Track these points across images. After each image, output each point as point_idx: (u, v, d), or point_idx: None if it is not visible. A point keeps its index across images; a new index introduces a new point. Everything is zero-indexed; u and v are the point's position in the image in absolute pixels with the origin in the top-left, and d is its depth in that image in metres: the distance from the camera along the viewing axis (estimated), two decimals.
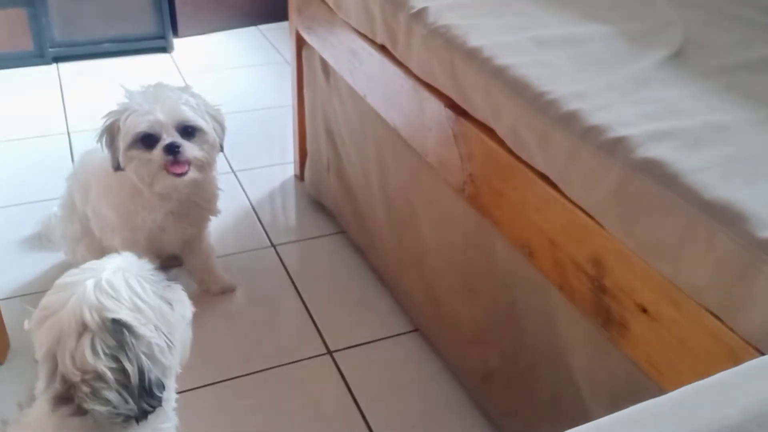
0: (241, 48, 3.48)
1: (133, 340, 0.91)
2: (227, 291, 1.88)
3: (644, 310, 0.93)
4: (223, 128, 1.64)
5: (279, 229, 2.14)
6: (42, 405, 0.93)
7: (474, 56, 1.21)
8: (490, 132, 1.20)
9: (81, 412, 0.90)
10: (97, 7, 3.19)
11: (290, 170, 2.43)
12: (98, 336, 0.89)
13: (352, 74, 1.71)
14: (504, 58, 1.18)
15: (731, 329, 0.82)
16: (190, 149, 1.53)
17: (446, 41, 1.28)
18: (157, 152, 1.50)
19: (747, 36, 1.25)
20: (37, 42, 3.13)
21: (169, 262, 1.91)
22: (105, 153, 1.56)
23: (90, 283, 0.93)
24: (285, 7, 2.17)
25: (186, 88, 1.60)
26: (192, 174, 1.55)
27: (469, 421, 1.52)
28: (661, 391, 0.62)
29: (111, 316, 0.91)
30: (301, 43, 2.10)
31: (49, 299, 0.95)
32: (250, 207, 2.24)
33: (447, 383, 1.61)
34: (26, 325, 0.96)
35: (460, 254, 1.45)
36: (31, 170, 2.40)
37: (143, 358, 0.92)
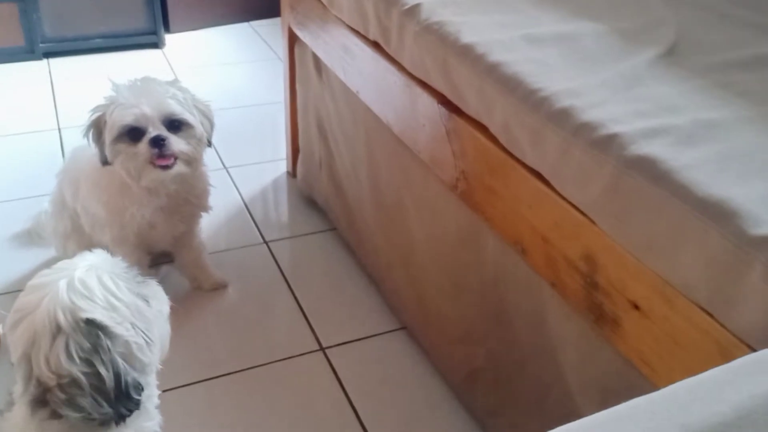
0: (233, 44, 3.47)
1: (109, 342, 0.90)
2: (219, 287, 1.88)
3: (636, 307, 0.93)
4: (211, 123, 1.63)
5: (271, 225, 2.14)
6: (22, 408, 0.92)
7: (467, 53, 1.21)
8: (482, 129, 1.20)
9: (58, 415, 0.89)
10: (88, 2, 3.18)
11: (282, 167, 2.42)
12: (72, 338, 0.87)
13: (344, 71, 1.71)
14: (496, 55, 1.18)
15: (723, 326, 0.82)
16: (176, 143, 1.53)
17: (439, 38, 1.28)
18: (143, 145, 1.50)
19: (739, 34, 1.25)
20: (27, 37, 3.11)
21: (160, 259, 1.90)
22: (92, 148, 1.55)
23: (63, 284, 0.90)
24: (277, 3, 2.17)
25: (173, 82, 1.59)
26: (178, 168, 1.55)
27: (456, 419, 1.52)
28: (652, 388, 0.62)
29: (85, 316, 0.89)
30: (293, 40, 2.09)
31: (22, 301, 0.92)
32: (242, 203, 2.23)
33: (434, 381, 1.61)
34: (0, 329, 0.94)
35: (448, 252, 1.45)
36: (21, 166, 2.38)
37: (119, 360, 0.90)
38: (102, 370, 0.88)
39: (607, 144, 0.96)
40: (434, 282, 1.53)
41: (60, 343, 0.87)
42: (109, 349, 0.89)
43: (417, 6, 1.36)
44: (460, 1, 1.39)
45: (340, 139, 1.90)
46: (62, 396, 0.87)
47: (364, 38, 1.57)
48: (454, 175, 1.30)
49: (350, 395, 1.57)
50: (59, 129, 2.62)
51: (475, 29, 1.26)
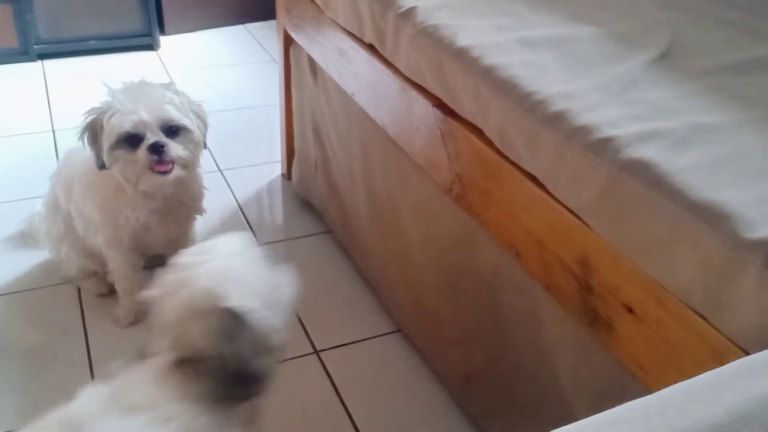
0: (229, 46, 3.47)
1: (242, 328, 0.97)
2: None
3: (630, 310, 0.93)
4: (205, 124, 1.63)
5: (266, 228, 2.13)
6: (160, 364, 0.99)
7: (462, 56, 1.21)
8: (478, 132, 1.20)
9: (193, 377, 0.97)
10: (82, 3, 3.17)
11: (277, 169, 2.42)
12: (210, 321, 0.96)
13: (339, 73, 1.71)
14: (492, 59, 1.18)
15: (717, 329, 0.82)
16: (175, 148, 1.52)
17: (434, 41, 1.28)
18: (142, 152, 1.50)
19: (733, 38, 1.25)
20: (22, 39, 3.11)
21: (154, 262, 1.90)
22: (87, 151, 1.55)
23: (206, 268, 0.99)
24: (273, 5, 2.17)
25: (169, 86, 1.59)
26: (176, 172, 1.54)
27: (452, 422, 1.52)
28: (646, 391, 0.62)
29: (223, 304, 0.96)
30: (288, 42, 2.09)
31: (169, 278, 1.02)
32: (237, 206, 2.23)
33: (430, 384, 1.61)
34: (148, 293, 1.04)
35: (444, 255, 1.45)
36: (15, 168, 2.38)
37: (249, 347, 0.97)
38: (231, 354, 0.96)
39: (602, 147, 0.96)
40: (430, 284, 1.53)
41: (200, 323, 0.96)
42: (241, 336, 0.96)
43: (412, 9, 1.36)
44: (456, 4, 1.39)
45: (335, 141, 1.90)
46: (198, 368, 0.96)
47: (360, 41, 1.57)
48: (449, 178, 1.31)
49: (344, 398, 1.56)
50: (53, 131, 2.61)
51: (471, 32, 1.27)
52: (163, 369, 1.00)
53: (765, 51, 1.20)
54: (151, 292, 1.03)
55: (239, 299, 0.98)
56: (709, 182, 0.86)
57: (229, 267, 1.00)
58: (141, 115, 1.49)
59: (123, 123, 1.48)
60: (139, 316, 1.77)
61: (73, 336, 1.72)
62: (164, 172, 1.53)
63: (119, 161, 1.51)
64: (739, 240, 0.79)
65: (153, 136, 1.50)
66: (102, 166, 1.53)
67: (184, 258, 1.04)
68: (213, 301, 0.97)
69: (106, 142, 1.50)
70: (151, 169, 1.52)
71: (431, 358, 1.63)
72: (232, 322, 0.96)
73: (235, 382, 0.97)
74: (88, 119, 1.53)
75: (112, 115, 1.49)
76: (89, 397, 1.00)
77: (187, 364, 0.98)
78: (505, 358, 1.32)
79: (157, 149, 1.50)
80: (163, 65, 3.20)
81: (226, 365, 0.96)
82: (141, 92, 1.53)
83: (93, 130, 1.53)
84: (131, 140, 1.50)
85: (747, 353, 0.78)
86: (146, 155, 1.50)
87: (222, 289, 0.98)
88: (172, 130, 1.53)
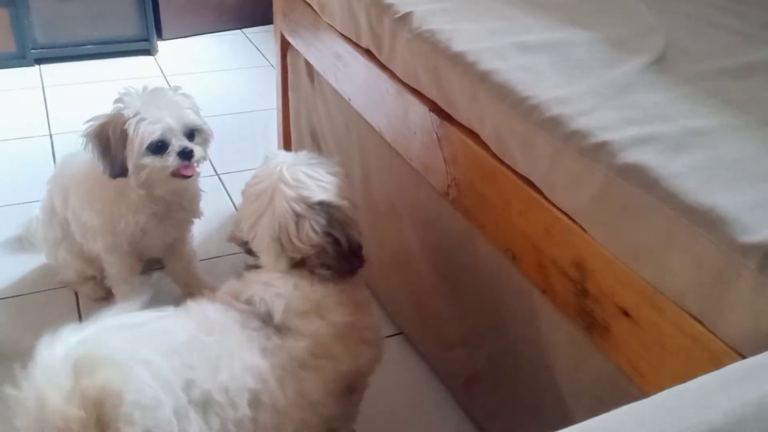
0: (226, 51, 3.47)
1: (336, 213, 1.16)
2: None
3: (626, 314, 0.93)
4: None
5: None
6: (276, 268, 1.18)
7: (458, 61, 1.22)
8: (474, 136, 1.21)
9: (310, 271, 1.16)
10: (80, 8, 3.17)
11: None
12: (311, 219, 1.14)
13: (336, 78, 1.71)
14: (488, 63, 1.18)
15: (712, 333, 0.82)
16: (198, 151, 1.56)
17: (431, 46, 1.28)
18: (173, 158, 1.52)
19: (728, 43, 1.26)
20: (19, 43, 3.10)
21: (151, 266, 1.90)
22: (96, 160, 1.53)
23: (282, 184, 1.16)
24: (270, 10, 2.17)
25: (177, 89, 1.60)
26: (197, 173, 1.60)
27: (454, 423, 1.52)
28: (642, 395, 0.62)
29: (314, 199, 1.15)
30: (285, 47, 2.10)
31: (250, 207, 1.20)
32: (235, 210, 2.23)
33: (431, 386, 1.61)
34: (228, 236, 1.28)
35: (443, 258, 1.46)
36: (12, 172, 2.37)
37: (347, 227, 1.17)
38: (340, 236, 1.15)
39: (597, 152, 0.96)
40: (429, 287, 1.53)
41: (305, 224, 1.14)
42: (339, 220, 1.16)
43: (409, 14, 1.37)
44: (452, 9, 1.40)
45: (332, 146, 1.90)
46: (316, 260, 1.15)
47: (357, 45, 1.58)
48: (445, 182, 1.31)
49: None
50: (50, 135, 2.61)
51: (467, 37, 1.27)
52: (281, 274, 1.17)
53: (759, 56, 1.20)
54: (240, 224, 1.23)
55: (320, 195, 1.16)
56: (704, 186, 0.87)
57: (294, 177, 1.16)
58: (168, 121, 1.51)
59: (153, 131, 1.49)
60: None
61: None
62: (190, 176, 1.57)
63: (146, 168, 1.52)
64: (734, 244, 0.80)
65: (177, 141, 1.53)
66: (118, 174, 1.53)
67: (252, 187, 1.21)
68: (305, 202, 1.14)
69: (134, 151, 1.50)
70: (177, 174, 1.54)
71: (432, 360, 1.63)
72: (331, 211, 1.16)
73: (351, 257, 1.17)
74: (94, 127, 1.52)
75: (138, 123, 1.49)
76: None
77: (302, 263, 1.16)
78: (505, 361, 1.33)
79: (187, 155, 1.53)
80: (161, 70, 3.20)
81: (341, 246, 1.15)
82: (161, 98, 1.54)
83: (103, 138, 1.52)
84: (157, 147, 1.51)
85: (742, 357, 0.78)
86: (177, 160, 1.52)
87: (303, 192, 1.15)
88: (191, 133, 1.56)
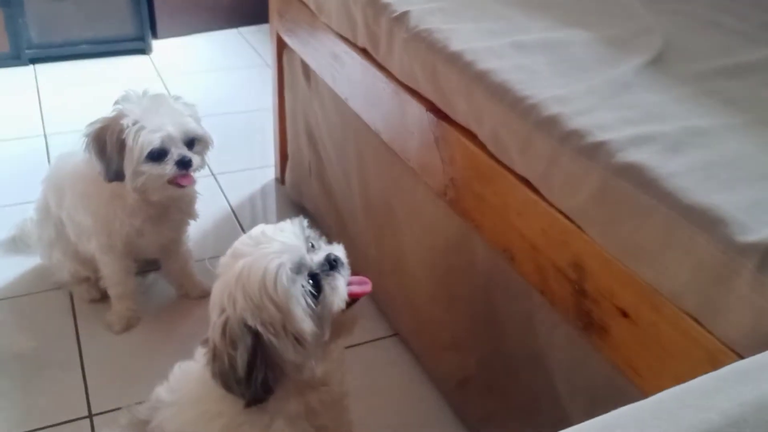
0: (221, 50, 3.47)
1: (254, 342, 0.94)
2: (206, 295, 1.81)
3: (625, 314, 0.93)
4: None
5: None
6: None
7: (455, 60, 1.22)
8: (471, 136, 1.20)
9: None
10: (74, 8, 3.16)
11: (271, 174, 2.42)
12: (230, 322, 0.95)
13: (333, 78, 1.71)
14: (485, 63, 1.18)
15: (711, 333, 0.82)
16: (197, 160, 1.56)
17: (428, 45, 1.28)
18: (170, 167, 1.52)
19: (725, 42, 1.26)
20: (13, 43, 3.10)
21: (146, 267, 1.89)
22: (95, 163, 1.52)
23: (239, 270, 0.96)
24: (265, 9, 2.17)
25: (179, 98, 1.61)
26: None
27: (446, 425, 1.52)
28: (641, 395, 0.62)
29: (243, 316, 0.94)
30: (281, 46, 2.09)
31: (224, 259, 1.01)
32: (230, 210, 2.23)
33: (425, 387, 1.61)
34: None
35: (440, 259, 1.45)
36: (7, 173, 2.36)
37: (257, 360, 0.94)
38: (238, 359, 0.94)
39: (595, 151, 0.96)
40: (426, 288, 1.53)
41: (222, 319, 0.96)
42: (252, 348, 0.94)
43: (406, 13, 1.36)
44: (449, 9, 1.39)
45: (329, 146, 1.90)
46: (214, 363, 0.97)
47: (353, 45, 1.57)
48: (443, 183, 1.31)
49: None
50: (45, 135, 2.60)
51: (464, 36, 1.27)
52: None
53: (757, 55, 1.20)
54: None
55: (253, 318, 0.94)
56: (702, 186, 0.87)
57: (266, 277, 0.94)
58: (168, 130, 1.51)
59: (153, 140, 1.49)
60: (132, 321, 1.76)
61: (66, 342, 1.71)
62: (187, 186, 1.57)
63: (144, 175, 1.52)
64: (732, 244, 0.79)
65: (177, 150, 1.52)
66: (114, 178, 1.53)
67: (241, 246, 1.01)
68: (234, 307, 0.95)
69: (134, 159, 1.49)
70: (172, 181, 1.54)
71: (427, 362, 1.63)
72: (246, 331, 0.94)
73: (242, 385, 0.96)
74: (93, 130, 1.52)
75: (138, 131, 1.48)
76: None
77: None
78: (500, 362, 1.32)
79: (186, 164, 1.53)
80: (156, 69, 3.19)
81: (236, 365, 0.95)
82: (161, 105, 1.54)
83: (100, 142, 1.51)
84: (156, 155, 1.51)
85: (741, 357, 0.78)
86: (175, 169, 1.52)
87: (243, 302, 0.94)
88: (191, 141, 1.56)
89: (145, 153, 1.49)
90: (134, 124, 1.49)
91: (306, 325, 0.95)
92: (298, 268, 0.97)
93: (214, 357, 0.97)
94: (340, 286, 1.01)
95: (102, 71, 3.13)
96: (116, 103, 1.54)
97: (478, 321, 1.36)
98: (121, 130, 1.48)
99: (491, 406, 1.38)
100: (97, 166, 1.53)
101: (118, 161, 1.50)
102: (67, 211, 1.67)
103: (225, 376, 0.96)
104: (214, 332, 0.97)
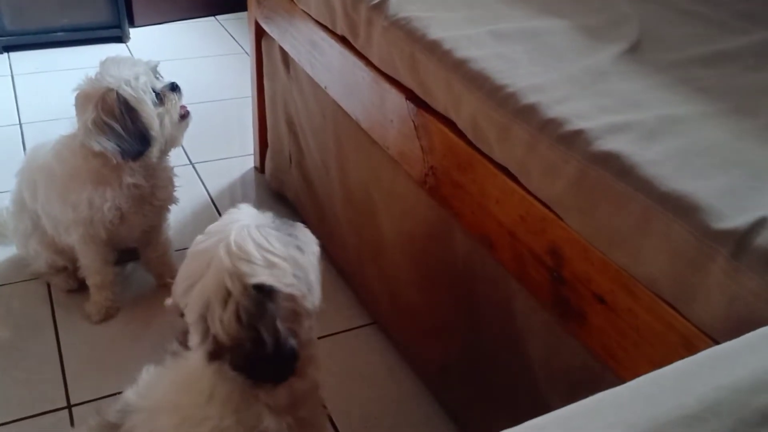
0: (199, 38, 3.43)
1: (274, 306, 0.93)
2: None
3: (601, 300, 0.94)
4: None
5: None
6: (198, 355, 0.97)
7: (434, 49, 1.22)
8: (450, 124, 1.21)
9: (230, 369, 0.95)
10: None
11: (250, 162, 2.41)
12: (241, 304, 0.92)
13: (312, 66, 1.70)
14: (464, 51, 1.18)
15: (687, 318, 0.83)
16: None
17: (406, 33, 1.28)
18: (172, 94, 1.58)
19: (701, 31, 1.27)
20: None
21: (125, 256, 1.88)
22: (108, 147, 1.49)
23: (223, 250, 0.94)
24: None
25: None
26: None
27: (427, 412, 1.53)
28: (618, 380, 0.63)
29: (251, 281, 0.93)
30: (260, 34, 2.08)
31: (188, 268, 0.98)
32: (209, 200, 2.21)
33: (405, 375, 1.62)
34: (168, 302, 1.01)
35: (418, 247, 1.46)
36: None
37: (281, 327, 0.93)
38: (265, 336, 0.92)
39: (573, 140, 0.97)
40: (405, 276, 1.53)
41: (231, 307, 0.92)
42: (273, 315, 0.93)
43: (385, 1, 1.36)
44: None
45: (309, 134, 1.89)
46: (232, 355, 0.93)
47: (332, 33, 1.57)
48: (422, 171, 1.31)
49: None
50: (20, 124, 2.57)
51: (443, 25, 1.27)
52: (195, 367, 0.98)
53: (732, 44, 1.21)
54: (176, 287, 1.00)
55: (262, 275, 0.94)
56: (678, 173, 0.88)
57: (240, 245, 0.94)
58: (144, 70, 1.56)
59: (145, 84, 1.53)
60: (111, 311, 1.75)
61: (44, 332, 1.70)
62: (187, 113, 1.63)
63: (165, 116, 1.56)
64: (707, 230, 0.80)
65: (159, 83, 1.59)
66: (138, 150, 1.53)
67: (194, 247, 1.00)
68: (240, 281, 0.93)
69: (148, 112, 1.52)
70: (181, 115, 1.61)
71: (406, 349, 1.64)
72: (261, 299, 0.93)
73: (275, 362, 0.94)
74: (93, 118, 1.49)
75: (134, 87, 1.51)
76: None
77: (221, 355, 0.95)
78: (479, 349, 1.33)
79: (176, 86, 1.60)
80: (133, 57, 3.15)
81: (264, 348, 0.92)
82: (120, 61, 1.56)
83: (106, 124, 1.49)
84: (157, 98, 1.56)
85: (716, 342, 0.79)
86: (174, 96, 1.58)
87: (243, 268, 0.93)
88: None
89: (153, 98, 1.54)
90: (125, 83, 1.49)
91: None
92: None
93: (233, 350, 0.93)
94: None
95: (78, 59, 3.08)
96: (77, 88, 1.53)
97: (458, 308, 1.37)
98: (120, 97, 1.48)
99: (471, 392, 1.39)
100: (115, 149, 1.50)
101: (140, 124, 1.51)
102: (42, 205, 1.66)
103: (252, 361, 0.93)
104: (223, 328, 0.93)
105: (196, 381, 0.99)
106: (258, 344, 0.92)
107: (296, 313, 0.98)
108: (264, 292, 0.93)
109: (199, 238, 1.01)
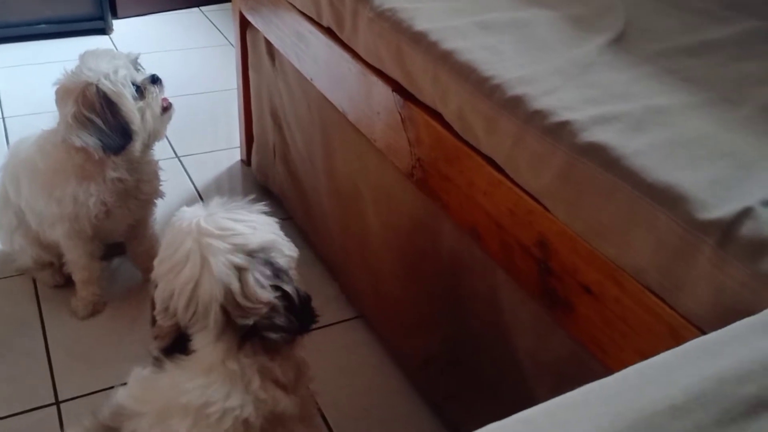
0: (184, 30, 3.41)
1: (281, 263, 1.00)
2: None
3: (589, 291, 0.95)
4: None
5: None
6: (212, 355, 1.00)
7: (420, 40, 1.21)
8: (437, 116, 1.20)
9: (256, 350, 1.00)
10: None
11: (236, 155, 2.40)
12: (256, 270, 0.97)
13: (298, 58, 1.69)
14: (450, 43, 1.18)
15: (673, 309, 0.84)
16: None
17: (392, 25, 1.27)
18: (153, 87, 1.57)
19: (686, 21, 1.27)
20: None
21: (112, 251, 1.87)
22: (90, 143, 1.49)
23: (209, 240, 0.97)
24: None
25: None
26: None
27: (412, 405, 1.53)
28: (606, 371, 0.63)
29: (252, 246, 0.98)
30: (245, 25, 2.06)
31: (183, 275, 0.98)
32: (196, 193, 2.20)
33: (390, 368, 1.62)
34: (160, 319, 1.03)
35: (404, 239, 1.46)
36: None
37: (292, 277, 1.01)
38: (289, 289, 0.99)
39: (559, 131, 0.97)
40: (390, 270, 1.53)
41: (249, 278, 0.96)
42: (286, 271, 1.00)
43: None
44: None
45: (294, 126, 1.88)
46: (265, 322, 0.97)
47: (318, 24, 1.56)
48: (410, 163, 1.31)
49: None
50: (3, 118, 2.54)
51: (429, 16, 1.26)
52: (207, 364, 1.00)
53: (717, 34, 1.22)
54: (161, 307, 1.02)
55: (257, 237, 1.00)
56: (664, 164, 0.88)
57: (219, 225, 0.99)
58: (124, 64, 1.54)
59: (125, 78, 1.51)
60: (98, 307, 1.75)
61: (30, 328, 1.69)
62: (170, 105, 1.61)
63: (147, 110, 1.54)
64: (693, 221, 0.81)
65: (140, 76, 1.57)
66: (121, 144, 1.52)
67: (164, 253, 1.03)
68: (243, 252, 0.97)
69: (128, 106, 1.51)
70: (165, 107, 1.60)
71: (391, 342, 1.64)
72: (273, 258, 1.00)
73: (304, 313, 1.01)
74: (73, 113, 1.48)
75: (113, 81, 1.49)
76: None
77: (250, 335, 0.98)
78: (465, 341, 1.33)
79: (156, 79, 1.58)
80: (116, 50, 3.12)
81: (292, 301, 0.99)
82: (99, 55, 1.54)
83: (86, 119, 1.48)
84: (137, 91, 1.55)
85: (703, 332, 0.79)
86: (155, 89, 1.56)
87: (237, 240, 0.98)
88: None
89: (129, 88, 1.52)
90: (104, 77, 1.47)
91: None
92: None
93: (267, 316, 0.97)
94: None
95: (61, 52, 3.05)
96: (57, 83, 1.52)
97: (443, 301, 1.37)
98: (101, 91, 1.46)
99: (455, 384, 1.39)
100: (96, 144, 1.49)
101: (121, 118, 1.49)
102: (26, 201, 1.64)
103: (287, 317, 0.99)
104: (251, 300, 0.96)
105: (209, 379, 0.99)
106: (286, 298, 0.98)
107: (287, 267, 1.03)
108: (267, 251, 1.00)
109: (164, 252, 1.03)
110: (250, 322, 0.97)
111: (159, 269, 1.03)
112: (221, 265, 0.96)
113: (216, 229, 0.98)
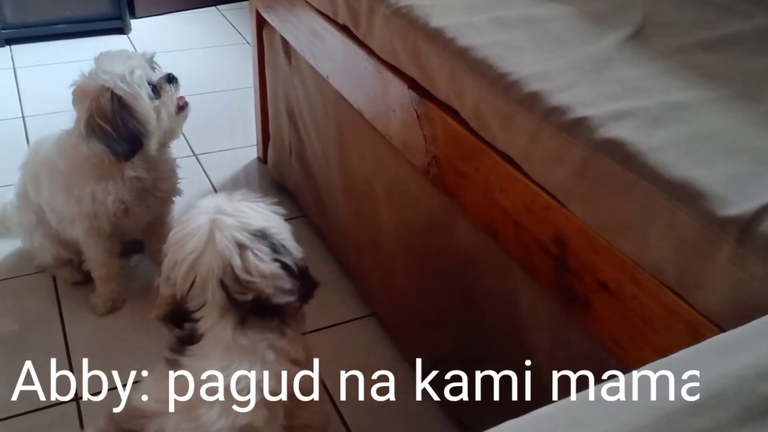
0: (201, 29, 3.43)
1: (279, 242, 1.08)
2: None
3: (606, 288, 0.94)
4: None
5: None
6: (221, 334, 1.04)
7: (436, 37, 1.21)
8: (453, 113, 1.20)
9: (257, 324, 1.05)
10: None
11: (253, 153, 2.40)
12: (254, 248, 1.04)
13: (314, 55, 1.70)
14: (466, 39, 1.17)
15: (692, 306, 0.83)
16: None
17: (408, 22, 1.27)
18: (168, 86, 1.57)
19: (704, 15, 1.26)
20: None
21: (130, 248, 1.88)
22: (102, 149, 1.50)
23: (221, 216, 1.05)
24: None
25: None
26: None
27: (425, 405, 1.53)
28: (624, 368, 0.63)
29: (255, 227, 1.06)
30: (261, 24, 2.07)
31: (187, 260, 1.04)
32: (213, 191, 2.21)
33: (403, 367, 1.62)
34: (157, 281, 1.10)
35: (418, 238, 1.46)
36: None
37: (292, 252, 1.09)
38: (288, 261, 1.07)
39: (576, 127, 0.96)
40: (403, 268, 1.53)
41: (248, 254, 1.03)
42: (283, 246, 1.08)
43: None
44: None
45: (310, 124, 1.89)
46: (271, 291, 1.04)
47: (333, 22, 1.56)
48: (425, 160, 1.30)
49: (324, 379, 1.56)
50: (23, 117, 2.57)
51: (445, 12, 1.26)
52: (226, 346, 1.04)
53: (736, 28, 1.20)
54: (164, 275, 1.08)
55: (263, 222, 1.08)
56: (683, 160, 0.87)
57: (233, 207, 1.08)
58: (140, 64, 1.54)
59: (141, 78, 1.52)
60: (117, 304, 1.76)
61: (50, 325, 1.71)
62: (186, 104, 1.61)
63: (162, 109, 1.55)
64: (712, 217, 0.80)
65: (155, 75, 1.57)
66: (131, 149, 1.53)
67: (177, 233, 1.08)
68: (246, 230, 1.05)
69: (143, 107, 1.51)
70: (181, 106, 1.60)
71: (403, 341, 1.64)
72: (273, 239, 1.07)
73: (305, 279, 1.10)
74: (87, 119, 1.49)
75: (129, 83, 1.50)
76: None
77: (246, 308, 1.04)
78: (478, 340, 1.33)
79: (173, 78, 1.58)
80: (134, 49, 3.14)
81: (292, 270, 1.07)
82: (114, 56, 1.54)
83: (99, 126, 1.49)
84: (153, 91, 1.55)
85: (722, 329, 0.79)
86: (171, 88, 1.57)
87: (248, 219, 1.06)
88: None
89: (148, 92, 1.52)
90: (120, 79, 1.48)
91: None
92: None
93: (273, 287, 1.04)
94: None
95: (79, 51, 3.07)
96: (73, 85, 1.53)
97: (457, 299, 1.36)
98: (114, 94, 1.47)
99: (468, 383, 1.38)
100: (105, 150, 1.50)
101: (126, 131, 1.50)
102: (46, 200, 1.66)
103: (299, 286, 1.08)
104: (260, 273, 1.03)
105: (228, 360, 1.02)
106: (289, 271, 1.06)
107: (294, 248, 1.12)
108: (267, 232, 1.07)
109: (179, 227, 1.09)
110: (248, 297, 1.02)
111: (170, 240, 1.09)
112: (225, 240, 1.03)
113: (231, 208, 1.07)
